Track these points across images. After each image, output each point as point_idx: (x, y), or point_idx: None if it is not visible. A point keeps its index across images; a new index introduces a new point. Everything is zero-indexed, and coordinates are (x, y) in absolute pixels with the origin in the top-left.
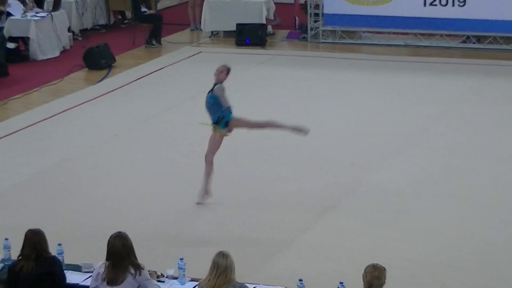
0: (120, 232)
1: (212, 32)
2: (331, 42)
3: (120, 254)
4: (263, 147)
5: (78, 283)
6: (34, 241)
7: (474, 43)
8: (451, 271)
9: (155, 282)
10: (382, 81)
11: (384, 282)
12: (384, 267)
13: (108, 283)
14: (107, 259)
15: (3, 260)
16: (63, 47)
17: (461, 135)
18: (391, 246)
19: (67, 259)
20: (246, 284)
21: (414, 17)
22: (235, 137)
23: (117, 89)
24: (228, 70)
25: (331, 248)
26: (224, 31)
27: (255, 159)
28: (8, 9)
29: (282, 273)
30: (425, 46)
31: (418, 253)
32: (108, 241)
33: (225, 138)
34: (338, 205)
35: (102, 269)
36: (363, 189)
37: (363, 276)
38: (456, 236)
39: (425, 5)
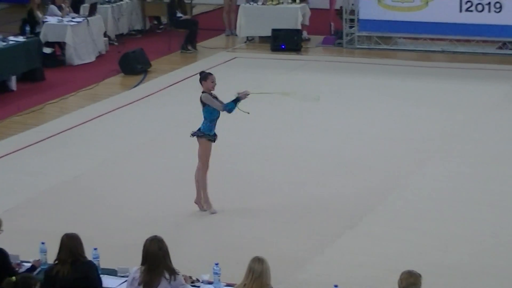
0: (156, 236)
1: (247, 37)
2: (367, 48)
3: (156, 257)
4: (295, 152)
5: (113, 287)
6: (71, 245)
7: (511, 49)
8: (486, 278)
9: (189, 287)
10: (417, 87)
11: (418, 287)
12: (419, 274)
13: (144, 287)
14: (143, 263)
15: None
16: (99, 52)
17: (495, 142)
18: (426, 252)
19: (102, 264)
20: None
21: (450, 23)
22: (268, 142)
23: (152, 94)
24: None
25: (365, 254)
26: (259, 36)
27: (288, 164)
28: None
29: (315, 278)
30: (461, 52)
31: (453, 259)
32: (144, 245)
33: (250, 144)
34: (372, 211)
35: (138, 274)
36: (397, 195)
37: (398, 282)
38: (492, 243)
39: (461, 11)
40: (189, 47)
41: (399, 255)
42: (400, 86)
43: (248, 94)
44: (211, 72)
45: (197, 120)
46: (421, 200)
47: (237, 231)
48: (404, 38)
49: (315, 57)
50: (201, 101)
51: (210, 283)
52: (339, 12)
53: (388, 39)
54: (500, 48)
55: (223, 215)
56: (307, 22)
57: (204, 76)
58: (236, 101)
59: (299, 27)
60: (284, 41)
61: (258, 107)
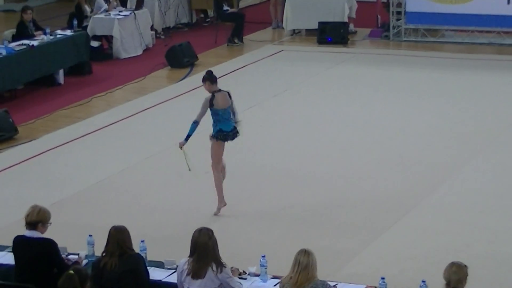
0: (205, 227)
1: (294, 30)
2: (414, 41)
3: (205, 247)
4: (341, 147)
5: (161, 280)
6: (118, 238)
7: None
8: None
9: (237, 279)
10: (464, 80)
11: (465, 279)
12: (464, 264)
13: (192, 277)
14: (191, 254)
15: (87, 256)
16: (146, 45)
17: None
18: (475, 245)
19: (149, 256)
20: (328, 282)
21: (498, 15)
22: (315, 137)
23: (199, 87)
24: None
25: (413, 247)
26: (306, 29)
27: (335, 158)
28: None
29: (363, 271)
30: (509, 45)
31: (503, 252)
32: (193, 235)
33: (307, 137)
34: (420, 204)
35: (186, 265)
36: (445, 188)
37: (443, 273)
38: None
39: (508, 3)
40: (236, 40)
41: (448, 247)
42: (447, 79)
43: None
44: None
45: (245, 112)
46: (469, 193)
47: (285, 224)
48: (451, 30)
49: (361, 50)
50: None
51: (257, 275)
52: (386, 4)
53: (435, 32)
54: None
55: (270, 209)
56: (353, 15)
57: (210, 79)
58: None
59: (346, 19)
60: (331, 34)
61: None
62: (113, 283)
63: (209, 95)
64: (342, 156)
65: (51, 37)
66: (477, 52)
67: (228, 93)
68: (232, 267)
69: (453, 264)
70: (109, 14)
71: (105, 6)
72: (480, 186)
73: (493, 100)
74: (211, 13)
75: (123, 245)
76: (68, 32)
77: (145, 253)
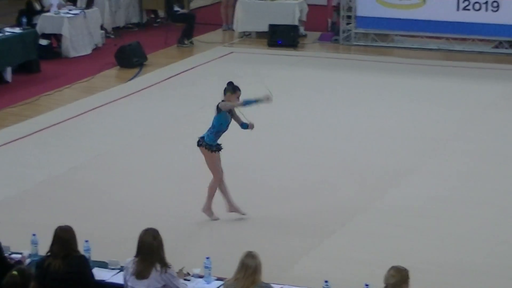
0: (151, 227)
1: (244, 32)
2: (363, 45)
3: (150, 247)
4: (291, 149)
5: (105, 280)
6: (64, 238)
7: (507, 48)
8: (480, 277)
9: (182, 281)
10: (414, 85)
11: (404, 283)
12: (405, 268)
13: (137, 277)
14: (136, 254)
15: (30, 256)
16: (96, 44)
17: (493, 141)
18: (421, 250)
19: (95, 256)
20: (272, 285)
21: (447, 21)
22: (265, 139)
23: (148, 87)
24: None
25: (359, 251)
26: (256, 31)
27: (284, 160)
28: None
29: (308, 274)
30: (458, 51)
31: (448, 257)
32: (139, 236)
33: (252, 139)
34: (367, 208)
35: (131, 265)
36: (394, 193)
37: (384, 277)
38: (487, 241)
39: (458, 9)
40: (186, 41)
41: (394, 252)
42: (396, 84)
43: (270, 100)
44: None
45: (194, 114)
46: (418, 198)
47: (230, 226)
48: (401, 35)
49: (311, 53)
50: (217, 108)
51: (201, 277)
52: (337, 8)
53: (385, 36)
54: (496, 47)
55: (215, 211)
56: (304, 18)
57: (233, 89)
58: (257, 101)
59: (297, 23)
60: (281, 37)
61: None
62: (57, 284)
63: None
64: (288, 158)
65: (0, 34)
66: (426, 57)
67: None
68: (181, 268)
69: (392, 267)
70: (59, 12)
71: (57, 1)
72: (427, 191)
73: (442, 106)
74: (161, 13)
75: (68, 246)
76: (17, 30)
77: (89, 253)
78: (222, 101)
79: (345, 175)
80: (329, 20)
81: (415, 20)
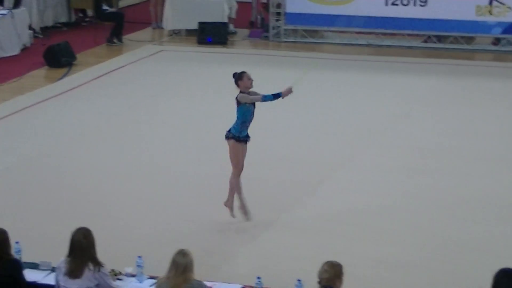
0: (83, 227)
1: (174, 30)
2: (293, 41)
3: (81, 246)
4: (220, 146)
5: (36, 282)
6: None
7: (435, 42)
8: (417, 271)
9: (112, 280)
10: (344, 81)
11: (338, 278)
12: (338, 263)
13: (69, 276)
14: (69, 254)
15: None
16: (24, 44)
17: (423, 136)
18: (356, 245)
19: (25, 257)
20: (204, 283)
21: (376, 17)
22: (192, 134)
23: (78, 87)
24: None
25: (291, 247)
26: (186, 29)
27: (211, 157)
28: None
29: (241, 271)
30: (387, 46)
31: (384, 252)
32: (71, 235)
33: (184, 137)
34: (301, 203)
35: (63, 264)
36: (326, 187)
37: (318, 272)
38: (424, 236)
39: (387, 4)
40: (115, 40)
41: (328, 247)
42: (326, 80)
43: (291, 91)
44: (244, 70)
45: (124, 113)
46: (352, 193)
47: (161, 223)
48: (331, 31)
49: (241, 50)
50: (237, 101)
51: (133, 275)
52: (266, 5)
53: (314, 33)
54: (425, 41)
55: (145, 209)
56: (234, 15)
57: (239, 76)
58: (277, 96)
59: (226, 20)
60: (211, 34)
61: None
62: None
63: (243, 93)
64: (218, 155)
65: None
66: (356, 53)
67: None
68: (111, 270)
69: (326, 262)
70: None
71: None
72: (363, 186)
73: (372, 101)
74: (90, 12)
75: (0, 250)
76: None
77: (20, 254)
78: (240, 92)
79: (278, 170)
80: (259, 17)
81: (345, 15)
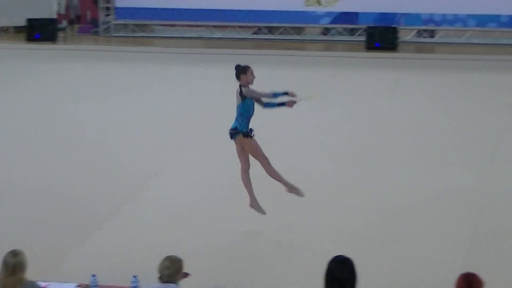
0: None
1: (1, 27)
2: (124, 36)
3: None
4: (66, 145)
5: None
6: None
7: (266, 33)
8: (259, 258)
9: None
10: (174, 74)
11: (178, 272)
12: (179, 258)
13: None
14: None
15: None
16: None
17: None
18: (191, 238)
19: None
20: (38, 283)
21: (206, 9)
22: (35, 133)
23: None
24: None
25: (126, 242)
26: (14, 26)
27: (62, 155)
28: None
29: (76, 270)
30: (218, 38)
31: (217, 244)
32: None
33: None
34: (131, 201)
35: None
36: (158, 183)
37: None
38: (258, 223)
39: None
40: None
41: (163, 241)
42: (157, 73)
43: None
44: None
45: None
46: (181, 187)
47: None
48: (161, 25)
49: (71, 46)
50: (241, 96)
51: None
52: (95, 0)
53: (145, 27)
54: (255, 33)
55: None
56: (63, 11)
57: (243, 69)
58: (280, 94)
59: (55, 16)
60: (40, 31)
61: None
62: None
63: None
64: (65, 154)
65: None
66: (188, 46)
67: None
68: None
69: (166, 258)
70: None
71: None
72: (192, 180)
73: (202, 94)
74: None
75: None
76: None
77: None
78: (241, 86)
79: (109, 168)
80: (88, 12)
81: (174, 9)
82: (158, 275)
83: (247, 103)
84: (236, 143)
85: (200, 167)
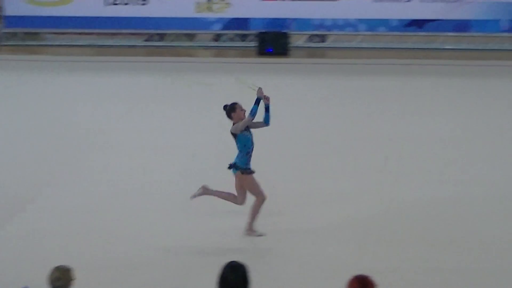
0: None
1: None
2: (13, 45)
3: None
4: None
5: None
6: None
7: (158, 40)
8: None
9: None
10: (66, 82)
11: (69, 283)
12: (68, 268)
13: None
14: None
15: None
16: None
17: (148, 133)
18: (87, 246)
19: None
20: None
21: (95, 17)
22: None
23: None
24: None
25: (20, 252)
26: None
27: None
28: None
29: None
30: (109, 46)
31: (113, 252)
32: None
33: None
34: (34, 203)
35: None
36: (52, 190)
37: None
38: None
39: (105, 4)
40: None
41: (57, 251)
42: (45, 84)
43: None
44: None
45: None
46: (78, 195)
47: None
48: (52, 33)
49: None
50: (232, 134)
51: None
52: None
53: (35, 35)
54: (147, 40)
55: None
56: None
57: (232, 107)
58: (257, 101)
59: None
60: None
61: None
62: None
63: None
64: None
65: None
66: (79, 54)
67: None
68: None
69: (56, 269)
70: None
71: None
72: (89, 188)
73: (95, 101)
74: None
75: None
76: None
77: None
78: (233, 124)
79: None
80: None
81: (64, 17)
82: (50, 285)
83: (241, 139)
84: (235, 178)
85: (104, 176)
